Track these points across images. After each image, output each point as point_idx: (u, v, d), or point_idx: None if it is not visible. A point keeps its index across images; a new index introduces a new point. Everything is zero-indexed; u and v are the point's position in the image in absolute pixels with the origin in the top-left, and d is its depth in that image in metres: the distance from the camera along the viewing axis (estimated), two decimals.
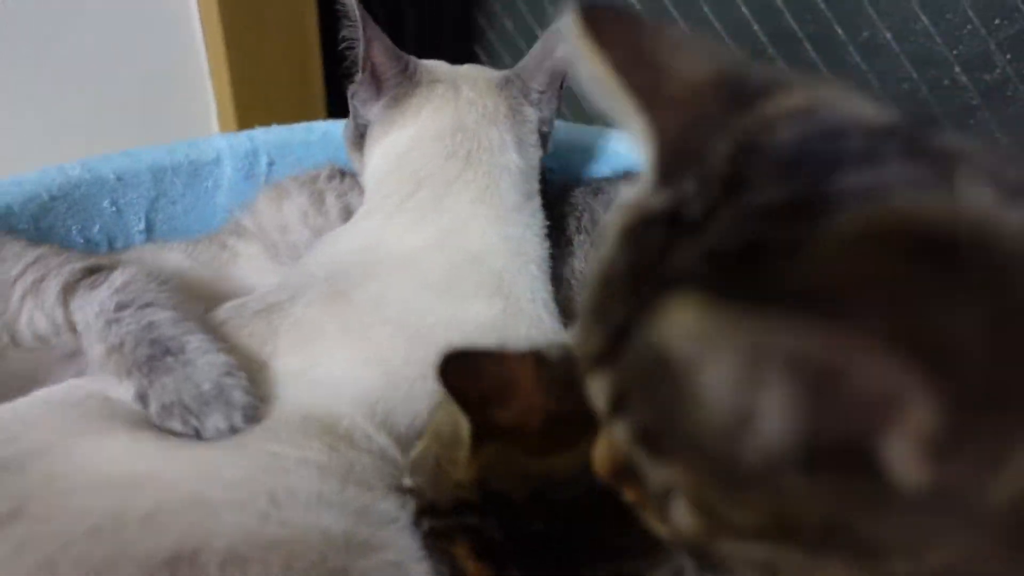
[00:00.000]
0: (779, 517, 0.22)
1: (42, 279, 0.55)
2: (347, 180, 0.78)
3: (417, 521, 0.46)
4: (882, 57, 0.97)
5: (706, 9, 1.06)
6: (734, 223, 0.23)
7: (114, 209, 0.79)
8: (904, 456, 0.19)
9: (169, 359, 0.50)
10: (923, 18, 0.93)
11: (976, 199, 0.22)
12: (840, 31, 0.98)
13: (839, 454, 0.20)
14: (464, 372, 0.43)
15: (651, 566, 0.43)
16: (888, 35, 0.95)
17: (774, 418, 0.20)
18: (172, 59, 1.27)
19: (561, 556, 0.44)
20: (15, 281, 0.55)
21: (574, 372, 0.43)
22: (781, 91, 0.27)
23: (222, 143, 0.87)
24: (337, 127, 0.92)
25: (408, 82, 0.71)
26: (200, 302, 0.62)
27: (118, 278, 0.56)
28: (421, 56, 0.75)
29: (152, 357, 0.50)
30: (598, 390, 0.27)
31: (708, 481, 0.24)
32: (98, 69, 1.17)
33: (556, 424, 0.44)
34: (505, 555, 0.44)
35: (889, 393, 0.18)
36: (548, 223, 0.70)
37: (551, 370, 0.45)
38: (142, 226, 0.82)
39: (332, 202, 0.76)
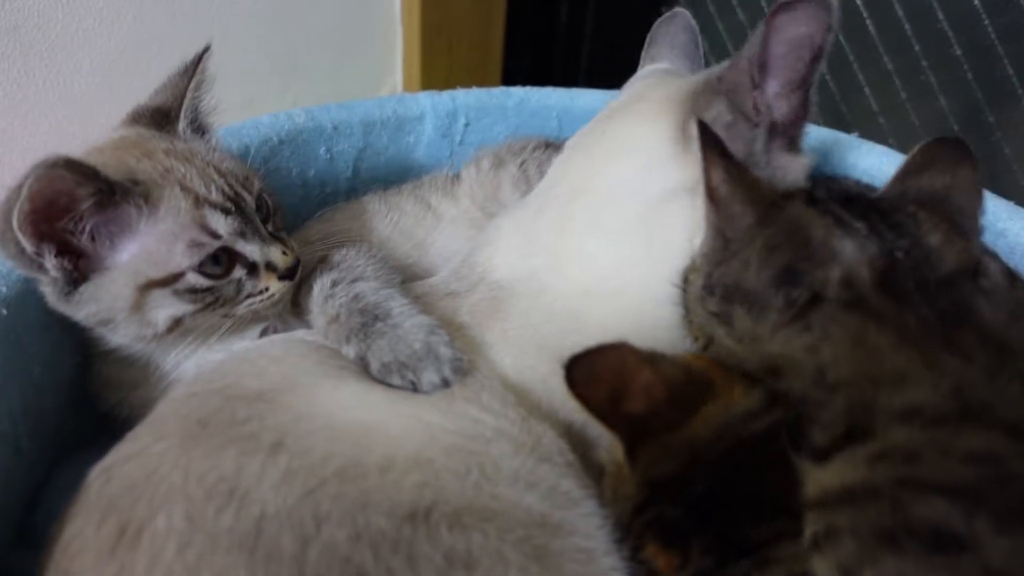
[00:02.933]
0: None
1: None
2: (548, 152, 0.81)
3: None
4: None
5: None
6: None
7: (328, 156, 0.86)
8: None
9: (379, 324, 0.56)
10: None
11: None
12: None
13: None
14: (586, 375, 0.48)
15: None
16: None
17: None
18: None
19: (729, 514, 0.47)
20: None
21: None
22: None
23: (426, 101, 0.91)
24: (532, 95, 0.95)
25: None
26: (399, 272, 0.67)
27: (333, 258, 0.64)
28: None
29: (364, 324, 0.56)
30: None
31: None
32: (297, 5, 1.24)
33: (677, 391, 0.49)
34: (685, 533, 0.47)
35: None
36: None
37: (641, 350, 0.50)
38: (349, 173, 0.88)
39: (534, 172, 0.79)
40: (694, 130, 0.56)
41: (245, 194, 0.59)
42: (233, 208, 0.57)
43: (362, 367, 0.55)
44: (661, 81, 0.69)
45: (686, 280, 0.54)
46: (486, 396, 0.54)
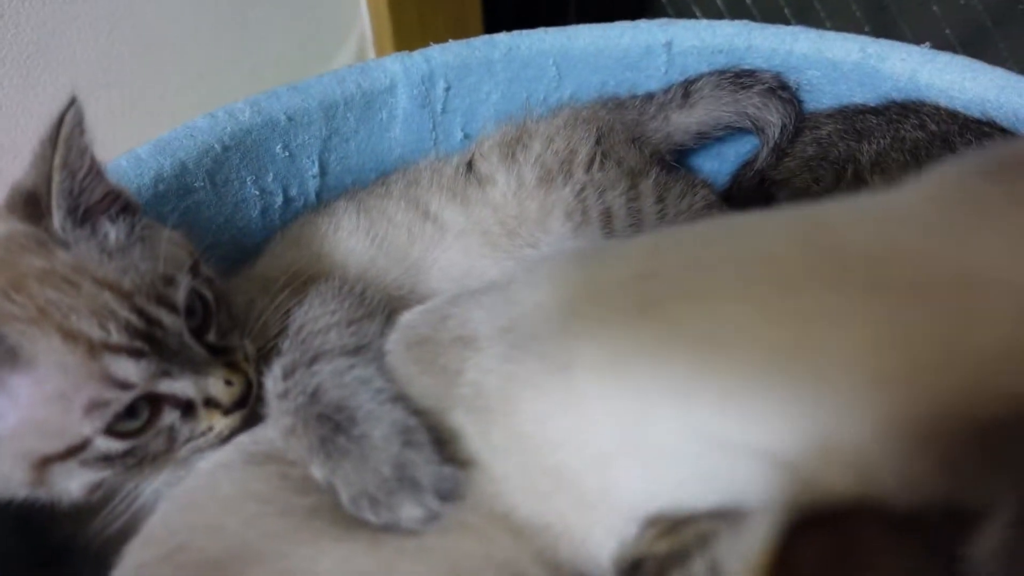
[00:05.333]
0: None
1: None
2: (608, 168, 0.64)
3: None
4: None
5: None
6: None
7: (287, 154, 0.71)
8: None
9: (341, 438, 0.42)
10: None
11: None
12: None
13: None
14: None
15: None
16: None
17: None
18: None
19: None
20: None
21: None
22: None
23: (395, 67, 0.75)
24: (521, 41, 0.78)
25: None
26: (379, 316, 0.52)
27: (291, 321, 0.50)
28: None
29: (324, 440, 0.43)
30: None
31: None
32: None
33: None
34: None
35: None
36: None
37: None
38: (315, 170, 0.74)
39: (593, 203, 0.62)
40: None
41: (163, 314, 0.44)
42: (146, 347, 0.43)
43: (332, 493, 0.42)
44: None
45: None
46: (499, 547, 0.39)
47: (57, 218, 0.45)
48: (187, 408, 0.46)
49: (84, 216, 0.46)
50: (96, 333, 0.42)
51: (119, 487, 0.47)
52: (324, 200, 0.75)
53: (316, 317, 0.50)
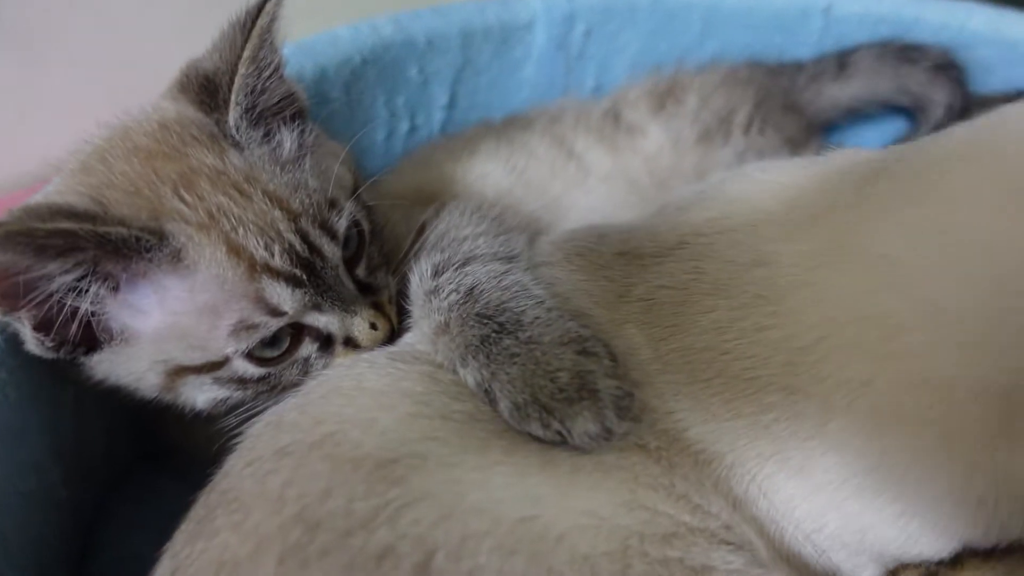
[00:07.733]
0: None
1: None
2: (768, 133, 0.60)
3: None
4: None
5: None
6: None
7: (421, 79, 0.68)
8: None
9: (507, 340, 0.38)
10: None
11: None
12: None
13: None
14: None
15: None
16: None
17: None
18: None
19: None
20: None
21: None
22: None
23: (537, 4, 0.72)
24: None
25: None
26: (522, 233, 0.49)
27: (432, 229, 0.47)
28: None
29: (486, 339, 0.38)
30: None
31: None
32: None
33: None
34: None
35: None
36: None
37: None
38: (445, 100, 0.70)
39: (752, 160, 0.59)
40: None
41: (325, 242, 0.41)
42: (305, 276, 0.40)
43: (487, 400, 0.38)
44: None
45: None
46: (679, 476, 0.36)
47: (234, 115, 0.42)
48: (326, 342, 0.43)
49: (258, 117, 0.43)
50: (260, 253, 0.39)
51: (240, 403, 0.44)
52: None
53: (460, 225, 0.47)
